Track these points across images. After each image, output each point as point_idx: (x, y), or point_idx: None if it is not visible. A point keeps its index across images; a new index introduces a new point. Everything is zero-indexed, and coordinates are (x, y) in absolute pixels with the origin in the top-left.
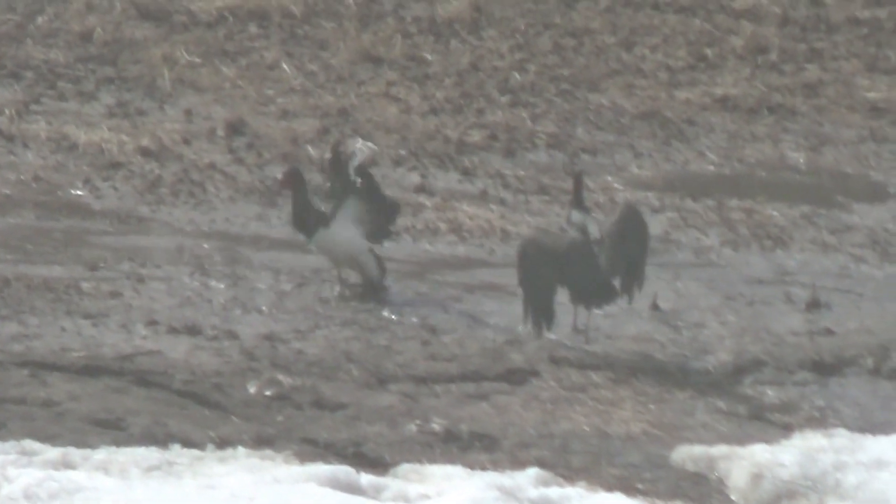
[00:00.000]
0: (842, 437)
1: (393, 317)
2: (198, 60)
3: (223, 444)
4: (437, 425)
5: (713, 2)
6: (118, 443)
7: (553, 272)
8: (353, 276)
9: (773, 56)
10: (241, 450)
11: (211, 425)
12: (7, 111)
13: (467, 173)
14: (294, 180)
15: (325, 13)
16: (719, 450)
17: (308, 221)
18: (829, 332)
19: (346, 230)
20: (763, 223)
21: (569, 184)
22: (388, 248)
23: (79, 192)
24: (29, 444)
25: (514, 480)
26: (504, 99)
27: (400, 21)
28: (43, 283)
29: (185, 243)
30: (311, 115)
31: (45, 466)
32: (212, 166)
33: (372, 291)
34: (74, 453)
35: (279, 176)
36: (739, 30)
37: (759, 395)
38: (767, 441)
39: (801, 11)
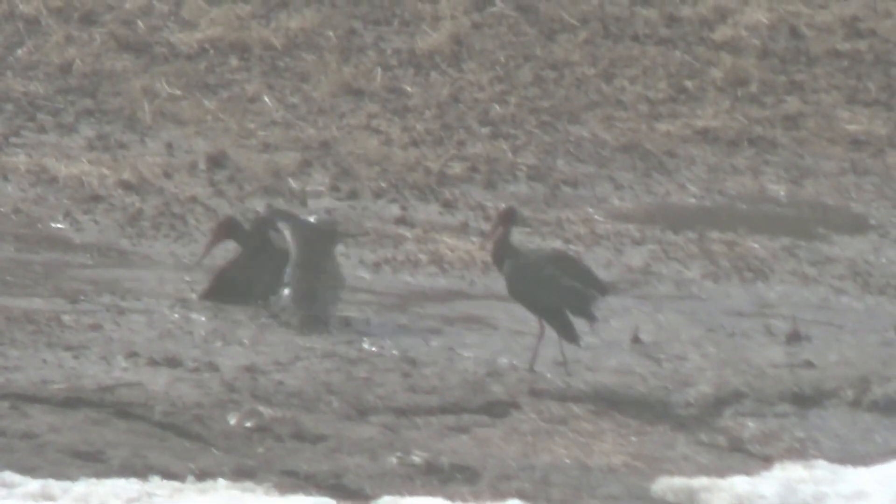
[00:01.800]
0: (822, 468)
1: (373, 349)
2: (178, 93)
3: (203, 475)
4: (417, 457)
5: (693, 34)
6: (98, 475)
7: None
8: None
9: (754, 88)
10: (221, 481)
11: (191, 457)
12: None
13: (448, 205)
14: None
15: (305, 46)
16: (700, 481)
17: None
18: (809, 364)
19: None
20: (744, 255)
21: (550, 216)
22: (368, 279)
23: (59, 226)
24: (9, 475)
25: None
26: (484, 131)
27: (380, 53)
28: (23, 315)
29: (166, 276)
30: (292, 148)
31: (25, 498)
32: (193, 199)
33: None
34: (54, 485)
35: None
36: (719, 62)
37: (739, 426)
38: (748, 472)
39: (780, 43)
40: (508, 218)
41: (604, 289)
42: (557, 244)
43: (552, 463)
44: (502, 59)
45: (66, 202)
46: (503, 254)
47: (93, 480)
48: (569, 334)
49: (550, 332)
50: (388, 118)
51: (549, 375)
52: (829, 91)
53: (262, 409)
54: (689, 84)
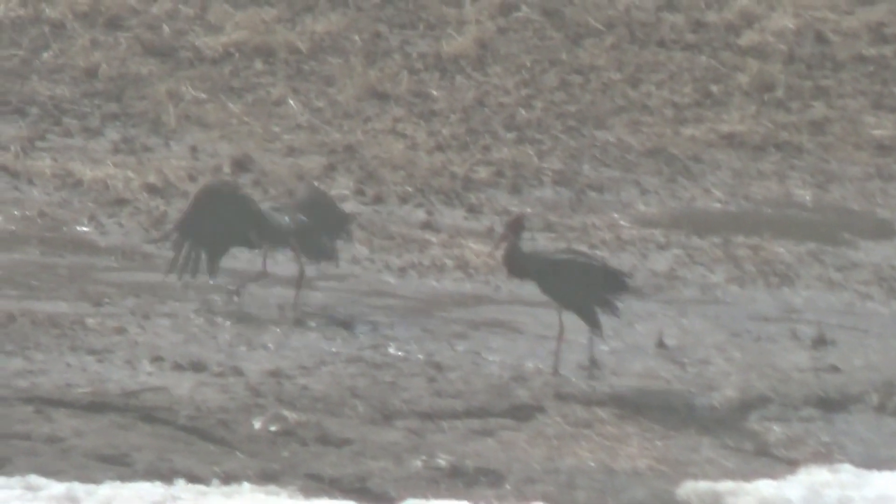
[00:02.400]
0: (847, 472)
1: (399, 353)
2: (203, 96)
3: (228, 479)
4: (442, 461)
5: (719, 39)
6: (123, 478)
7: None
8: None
9: (780, 93)
10: (246, 485)
11: (216, 460)
12: (12, 147)
13: (473, 210)
14: None
15: (331, 49)
16: (725, 485)
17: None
18: (834, 368)
19: None
20: (769, 260)
21: (575, 221)
22: (393, 284)
23: (84, 229)
24: (34, 479)
25: None
26: (510, 135)
27: (406, 57)
28: (48, 318)
29: (191, 280)
30: (317, 152)
31: (50, 502)
32: None
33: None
34: (79, 489)
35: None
36: (745, 67)
37: (764, 430)
38: (773, 476)
39: (806, 49)
40: (517, 226)
41: (623, 281)
42: (582, 249)
43: (577, 466)
44: (528, 63)
45: (91, 206)
46: (515, 261)
47: (117, 484)
48: (596, 322)
49: (576, 337)
50: (414, 122)
51: (573, 379)
52: (855, 96)
53: (286, 413)
54: (715, 89)
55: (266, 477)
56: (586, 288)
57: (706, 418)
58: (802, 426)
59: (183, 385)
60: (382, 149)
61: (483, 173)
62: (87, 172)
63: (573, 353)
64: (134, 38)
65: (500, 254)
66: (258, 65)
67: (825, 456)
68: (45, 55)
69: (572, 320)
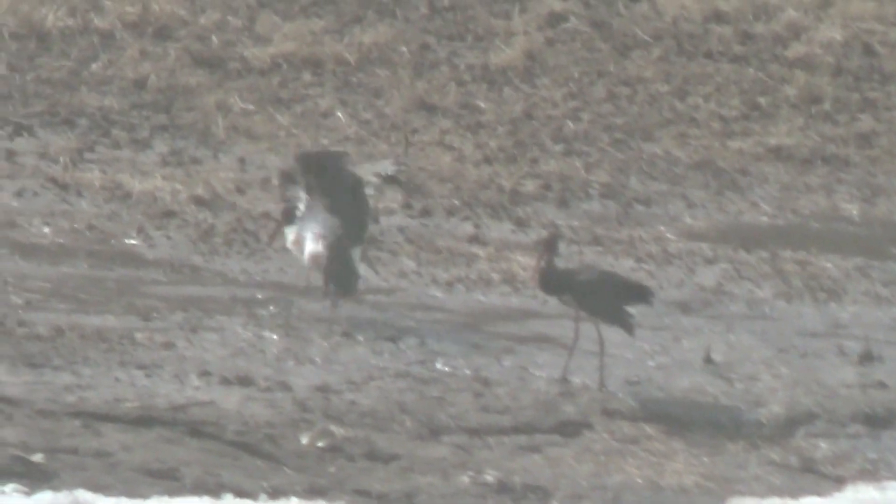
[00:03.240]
0: (894, 489)
1: (446, 368)
2: (252, 108)
3: (276, 494)
4: (490, 477)
5: (767, 51)
6: (171, 493)
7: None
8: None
9: (827, 106)
10: (293, 500)
11: (263, 476)
12: (61, 159)
13: (521, 223)
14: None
15: (379, 61)
16: (772, 502)
17: None
18: (881, 384)
19: None
20: (816, 275)
21: (622, 234)
22: (440, 298)
23: (132, 241)
24: (82, 494)
25: None
26: (558, 148)
27: (454, 69)
28: (96, 333)
29: (239, 293)
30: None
31: None
32: (266, 215)
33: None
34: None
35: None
36: (793, 79)
37: (811, 447)
38: (820, 493)
39: (854, 61)
40: (552, 244)
41: (649, 295)
42: (629, 263)
43: (624, 483)
44: (576, 75)
45: (140, 218)
46: (551, 279)
47: (165, 499)
48: (630, 327)
49: (622, 352)
50: (461, 134)
51: (620, 395)
52: None
53: (334, 428)
54: (762, 101)
55: (313, 492)
56: (619, 298)
57: (753, 434)
58: (849, 443)
59: (230, 400)
60: (430, 161)
61: (530, 186)
62: (135, 184)
63: (620, 369)
64: (183, 48)
65: (534, 272)
66: (306, 76)
67: (872, 473)
68: (94, 66)
69: (616, 334)
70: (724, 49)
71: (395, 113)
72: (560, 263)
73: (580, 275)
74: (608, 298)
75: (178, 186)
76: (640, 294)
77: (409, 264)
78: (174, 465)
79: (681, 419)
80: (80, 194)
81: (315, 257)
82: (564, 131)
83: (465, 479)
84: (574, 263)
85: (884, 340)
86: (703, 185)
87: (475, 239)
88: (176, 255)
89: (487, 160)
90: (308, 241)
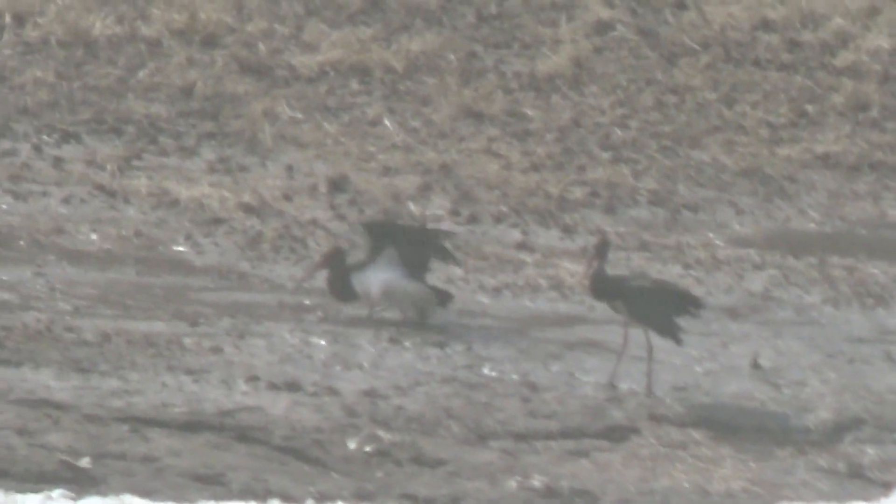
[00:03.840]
0: None
1: (493, 374)
2: (299, 116)
3: (323, 499)
4: (537, 482)
5: (814, 59)
6: (218, 498)
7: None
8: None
9: (874, 113)
10: None
11: (311, 481)
12: (109, 166)
13: (568, 230)
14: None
15: (426, 69)
16: None
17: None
18: None
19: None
20: (864, 281)
21: (670, 241)
22: (488, 304)
23: (180, 248)
24: (129, 499)
25: None
26: (605, 155)
27: (501, 77)
28: (144, 338)
29: (286, 299)
30: (412, 172)
31: None
32: (313, 222)
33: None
34: None
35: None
36: (840, 87)
37: (859, 453)
38: (867, 499)
39: None
40: (602, 250)
41: (698, 304)
42: (677, 269)
43: (672, 488)
44: (623, 82)
45: (187, 225)
46: (602, 285)
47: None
48: (678, 338)
49: (670, 358)
50: (509, 142)
51: (668, 400)
52: None
53: (381, 433)
54: (810, 109)
55: (361, 497)
56: (668, 308)
57: (801, 440)
58: None
59: (278, 405)
60: (477, 168)
61: (578, 193)
62: (182, 192)
63: (667, 374)
64: (230, 56)
65: (585, 278)
66: (354, 84)
67: None
68: (141, 73)
69: (665, 340)
70: (772, 57)
71: (443, 121)
72: (609, 270)
73: (631, 282)
74: (659, 307)
75: (226, 193)
76: (692, 304)
77: (457, 271)
78: (221, 471)
79: (728, 425)
80: (127, 201)
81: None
82: (612, 139)
83: (512, 484)
84: (623, 270)
85: None
86: (750, 191)
87: (522, 245)
88: (223, 262)
89: (535, 167)
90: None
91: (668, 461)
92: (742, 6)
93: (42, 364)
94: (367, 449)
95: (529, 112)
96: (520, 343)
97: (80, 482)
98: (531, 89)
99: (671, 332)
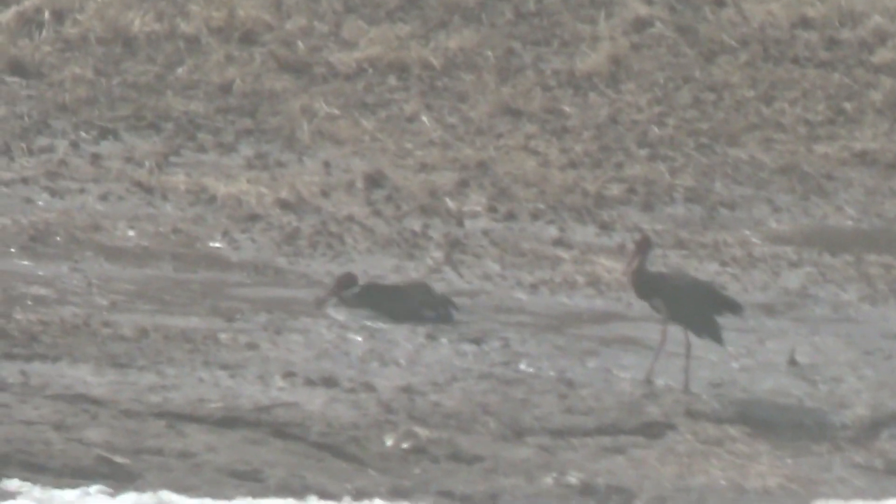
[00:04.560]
0: None
1: (530, 370)
2: (337, 112)
3: (360, 495)
4: (573, 478)
5: (852, 56)
6: (255, 494)
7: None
8: None
9: None
10: (377, 502)
11: (348, 477)
12: (147, 163)
13: (605, 227)
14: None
15: (464, 66)
16: None
17: None
18: None
19: None
20: None
21: (707, 238)
22: (525, 300)
23: (217, 244)
24: (166, 494)
25: None
26: (643, 152)
27: (539, 74)
28: (180, 333)
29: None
30: (449, 168)
31: None
32: (350, 218)
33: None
34: None
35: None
36: (878, 84)
37: (895, 449)
38: None
39: None
40: (644, 246)
41: (737, 308)
42: (714, 266)
43: (708, 484)
44: (661, 80)
45: (225, 221)
46: (643, 281)
47: (249, 500)
48: (719, 338)
49: (706, 354)
50: (547, 139)
51: (704, 397)
52: None
53: (418, 429)
54: (847, 106)
55: (398, 494)
56: (708, 308)
57: (837, 437)
58: None
59: (315, 401)
60: (515, 165)
61: (615, 190)
62: (220, 188)
63: (704, 371)
64: (268, 53)
65: (627, 273)
66: (391, 81)
67: None
68: (180, 70)
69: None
70: (811, 55)
71: (480, 117)
72: (650, 267)
73: (672, 280)
74: (698, 307)
75: (263, 190)
76: (731, 309)
77: (494, 267)
78: (258, 467)
79: (765, 421)
80: (165, 198)
81: None
82: (649, 136)
83: (548, 480)
84: (660, 267)
85: None
86: (788, 189)
87: (560, 242)
88: (260, 258)
89: (572, 164)
90: None
91: (705, 458)
92: (781, 4)
93: (79, 359)
94: (404, 445)
95: (567, 109)
96: (556, 339)
97: (118, 477)
98: (569, 86)
99: (710, 332)
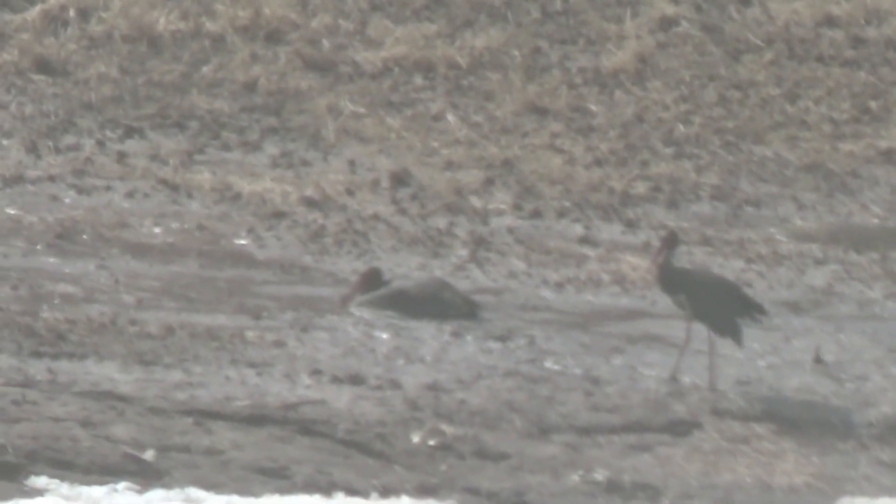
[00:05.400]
0: None
1: (556, 367)
2: (362, 111)
3: (386, 492)
4: (599, 475)
5: (878, 55)
6: (282, 491)
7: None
8: None
9: None
10: (404, 499)
11: (374, 474)
12: (172, 161)
13: (631, 225)
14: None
15: (490, 65)
16: (883, 502)
17: None
18: None
19: None
20: None
21: (732, 236)
22: (551, 298)
23: (242, 242)
24: (193, 492)
25: None
26: (668, 151)
27: (565, 72)
28: (207, 331)
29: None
30: (475, 166)
31: None
32: (375, 217)
33: None
34: (238, 501)
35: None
36: None
37: None
38: None
39: None
40: (671, 242)
41: (761, 311)
42: (739, 264)
43: (734, 482)
44: (687, 78)
45: (250, 219)
46: (668, 277)
47: (276, 497)
48: (740, 339)
49: (732, 352)
50: (572, 137)
51: (730, 395)
52: None
53: (444, 427)
54: (873, 105)
55: (424, 491)
56: (732, 307)
57: (863, 435)
58: None
59: (341, 398)
60: (541, 164)
61: (641, 188)
62: (245, 186)
63: (730, 368)
64: (294, 52)
65: (653, 269)
66: (417, 80)
67: None
68: (205, 69)
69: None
70: (836, 53)
71: (506, 116)
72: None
73: (697, 276)
74: (721, 307)
75: (288, 188)
76: (755, 310)
77: (520, 265)
78: (285, 464)
79: (791, 419)
80: (190, 195)
81: None
82: (675, 134)
83: (575, 477)
84: (685, 265)
85: None
86: (813, 187)
87: (585, 240)
88: (286, 256)
89: (598, 163)
90: None
91: (731, 455)
92: (806, 2)
93: (106, 357)
94: (431, 442)
95: (593, 107)
96: (582, 337)
97: (145, 475)
98: (595, 85)
99: (731, 333)
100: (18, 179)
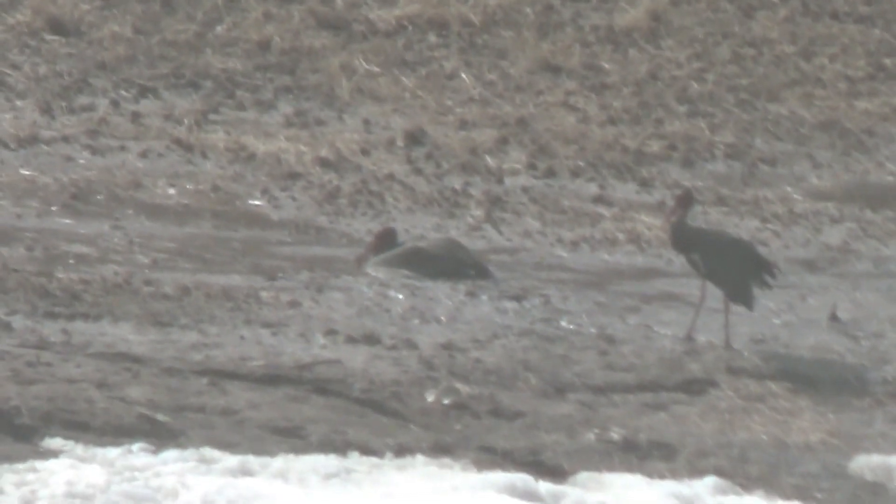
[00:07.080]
0: None
1: (571, 326)
2: (377, 70)
3: (401, 451)
4: (615, 434)
5: (893, 11)
6: (297, 451)
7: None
8: None
9: None
10: (419, 458)
11: (389, 433)
12: (186, 121)
13: (645, 183)
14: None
15: (503, 22)
16: None
17: None
18: None
19: None
20: None
21: (747, 195)
22: (566, 257)
23: (257, 202)
24: (208, 451)
25: (692, 489)
26: (682, 109)
27: (578, 30)
28: (222, 292)
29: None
30: (489, 125)
31: (224, 474)
32: (390, 176)
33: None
34: (253, 461)
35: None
36: None
37: None
38: None
39: None
40: (686, 200)
41: (773, 272)
42: (755, 223)
43: (749, 440)
44: (701, 36)
45: (265, 179)
46: (682, 235)
47: (291, 456)
48: (750, 303)
49: (747, 310)
50: (586, 95)
51: (746, 353)
52: None
53: (459, 386)
54: (888, 62)
55: (439, 450)
56: (745, 269)
57: (879, 392)
58: None
59: (356, 358)
60: (554, 122)
61: (655, 147)
62: (259, 146)
63: (745, 327)
64: (307, 10)
65: (667, 227)
66: (431, 38)
67: None
68: (219, 28)
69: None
70: (850, 10)
71: (520, 74)
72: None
73: (711, 236)
74: (734, 267)
75: (303, 148)
76: (766, 271)
77: (534, 224)
78: (300, 423)
79: (806, 377)
80: (204, 156)
81: None
82: (689, 92)
83: (590, 436)
84: (701, 224)
85: None
86: (828, 145)
87: (600, 199)
88: (301, 216)
89: (612, 121)
90: None
91: (746, 414)
92: None
93: (121, 317)
94: (446, 401)
95: (607, 65)
96: (597, 296)
97: (160, 436)
98: (608, 43)
99: (742, 297)
100: (33, 140)
